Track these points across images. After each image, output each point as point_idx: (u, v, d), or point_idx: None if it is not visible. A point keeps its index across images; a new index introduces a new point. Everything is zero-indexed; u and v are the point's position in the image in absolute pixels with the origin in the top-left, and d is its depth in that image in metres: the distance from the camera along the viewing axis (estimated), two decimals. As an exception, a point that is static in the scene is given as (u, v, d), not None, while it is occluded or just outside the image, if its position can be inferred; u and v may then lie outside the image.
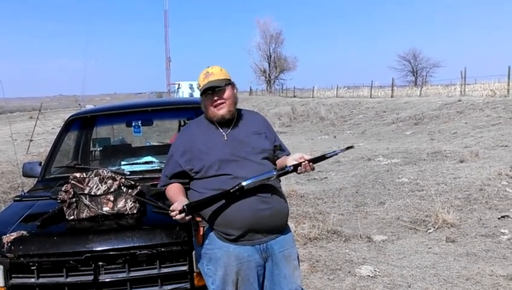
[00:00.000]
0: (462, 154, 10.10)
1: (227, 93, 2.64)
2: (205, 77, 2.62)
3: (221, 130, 2.67)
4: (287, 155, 2.83)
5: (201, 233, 2.57)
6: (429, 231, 5.84)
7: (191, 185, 2.66)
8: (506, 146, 10.48)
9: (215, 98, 2.61)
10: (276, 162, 2.78)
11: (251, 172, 2.51)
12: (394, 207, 6.92)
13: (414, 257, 5.06)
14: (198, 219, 2.57)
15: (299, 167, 2.54)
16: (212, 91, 2.59)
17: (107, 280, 2.77)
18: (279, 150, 2.82)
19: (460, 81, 26.87)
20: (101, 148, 4.99)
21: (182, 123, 5.52)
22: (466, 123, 14.66)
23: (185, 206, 2.37)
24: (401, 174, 8.96)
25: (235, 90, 2.73)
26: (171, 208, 2.40)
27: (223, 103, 2.62)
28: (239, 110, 2.77)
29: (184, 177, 2.68)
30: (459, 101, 19.13)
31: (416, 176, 8.69)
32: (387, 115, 21.17)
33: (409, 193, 7.64)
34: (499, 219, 6.04)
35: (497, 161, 9.18)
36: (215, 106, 2.62)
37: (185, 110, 5.19)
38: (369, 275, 4.57)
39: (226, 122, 2.66)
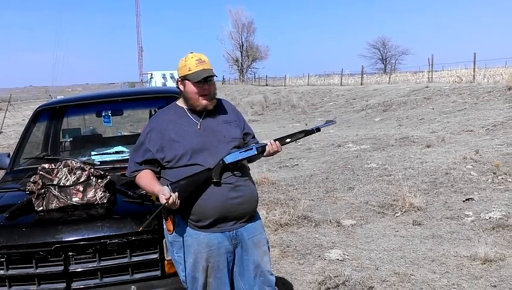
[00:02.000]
0: (429, 139, 10.33)
1: (214, 85, 2.64)
2: (199, 63, 2.55)
3: (194, 119, 2.64)
4: (256, 143, 2.85)
5: (171, 221, 2.58)
6: (396, 214, 5.99)
7: (162, 174, 2.65)
8: (471, 131, 10.75)
9: (205, 87, 2.57)
10: None
11: None
12: (363, 192, 7.07)
13: (382, 240, 5.19)
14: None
15: (267, 146, 2.62)
16: (204, 80, 2.55)
17: (78, 269, 2.78)
18: (248, 136, 2.83)
19: (428, 68, 27.30)
20: (71, 138, 4.94)
21: (153, 113, 5.50)
22: (433, 109, 14.94)
23: (169, 186, 2.41)
24: (369, 160, 9.12)
25: None
26: (162, 195, 2.38)
27: (209, 94, 2.60)
28: None
29: (155, 165, 2.64)
30: (427, 87, 19.45)
31: (385, 161, 8.86)
32: (357, 102, 21.41)
33: (377, 178, 7.79)
34: (463, 201, 6.22)
35: (462, 145, 9.41)
36: (202, 95, 2.58)
37: (156, 100, 5.19)
38: (338, 259, 4.68)
39: (198, 112, 2.64)
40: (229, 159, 2.54)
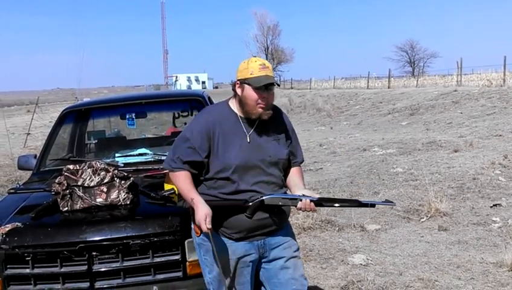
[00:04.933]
0: (457, 144, 10.16)
1: (274, 95, 2.50)
2: (262, 68, 2.40)
3: (244, 129, 2.50)
4: (299, 164, 2.72)
5: None
6: (422, 220, 5.90)
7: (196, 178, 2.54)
8: (500, 135, 10.54)
9: (265, 95, 2.41)
10: (290, 170, 2.67)
11: (261, 182, 2.46)
12: (388, 197, 6.97)
13: (406, 245, 5.12)
14: None
15: (300, 202, 2.44)
16: (265, 87, 2.40)
17: (101, 269, 2.83)
18: (292, 155, 2.66)
19: (456, 72, 26.89)
20: (95, 140, 5.03)
21: (176, 115, 5.55)
22: (461, 113, 14.71)
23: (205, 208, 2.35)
24: (395, 164, 9.02)
25: None
26: (198, 222, 2.31)
27: (267, 103, 2.44)
28: None
29: (196, 166, 2.50)
30: (455, 91, 19.17)
31: (411, 165, 8.75)
32: (384, 105, 21.22)
33: (403, 182, 7.70)
34: (491, 207, 6.11)
35: (490, 150, 9.24)
36: (260, 104, 2.42)
37: (179, 102, 5.25)
38: (361, 264, 4.64)
39: (251, 120, 2.49)
40: (268, 201, 2.41)
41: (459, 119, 13.84)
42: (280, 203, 2.44)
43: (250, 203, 2.41)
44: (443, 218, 5.87)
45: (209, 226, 2.29)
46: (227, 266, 2.50)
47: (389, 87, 29.61)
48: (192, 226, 2.59)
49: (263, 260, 2.58)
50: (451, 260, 4.64)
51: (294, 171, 2.67)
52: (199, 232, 2.49)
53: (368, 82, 35.19)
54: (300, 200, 2.42)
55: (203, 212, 2.32)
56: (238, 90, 2.47)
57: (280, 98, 34.46)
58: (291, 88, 46.05)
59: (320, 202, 2.46)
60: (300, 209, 2.45)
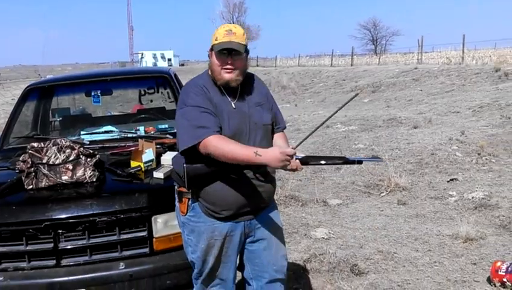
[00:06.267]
0: (416, 120, 10.43)
1: (242, 62, 2.41)
2: (227, 34, 2.35)
3: (228, 98, 2.44)
4: (282, 130, 2.67)
5: (186, 204, 2.50)
6: (382, 194, 6.10)
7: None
8: (458, 112, 10.86)
9: (229, 61, 2.36)
10: (274, 136, 2.62)
11: None
12: (349, 172, 7.15)
13: (367, 219, 5.30)
14: (183, 189, 2.49)
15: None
16: (228, 53, 2.35)
17: (67, 247, 2.83)
18: (275, 121, 2.62)
19: (417, 50, 27.36)
20: (60, 118, 4.95)
21: (142, 92, 5.52)
22: (421, 90, 15.04)
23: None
24: (357, 141, 9.21)
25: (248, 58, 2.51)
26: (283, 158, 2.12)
27: (233, 69, 2.37)
28: None
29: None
30: (416, 68, 19.55)
31: (372, 142, 8.95)
32: (347, 83, 21.48)
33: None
34: (447, 181, 6.34)
35: (448, 126, 9.53)
36: (224, 69, 2.37)
37: (145, 80, 5.22)
38: (323, 237, 4.78)
39: (231, 89, 2.44)
40: None
41: (418, 97, 14.16)
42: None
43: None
44: (402, 192, 6.07)
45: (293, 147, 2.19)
46: (213, 245, 2.48)
47: (352, 65, 29.93)
48: (178, 204, 2.58)
49: (248, 240, 2.57)
50: (409, 233, 4.83)
51: (278, 136, 2.63)
52: (185, 212, 2.51)
53: (332, 60, 35.42)
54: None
55: (276, 151, 2.16)
56: (209, 58, 2.45)
57: (245, 75, 34.38)
58: (257, 66, 45.90)
59: (306, 160, 2.35)
60: (285, 169, 2.28)
